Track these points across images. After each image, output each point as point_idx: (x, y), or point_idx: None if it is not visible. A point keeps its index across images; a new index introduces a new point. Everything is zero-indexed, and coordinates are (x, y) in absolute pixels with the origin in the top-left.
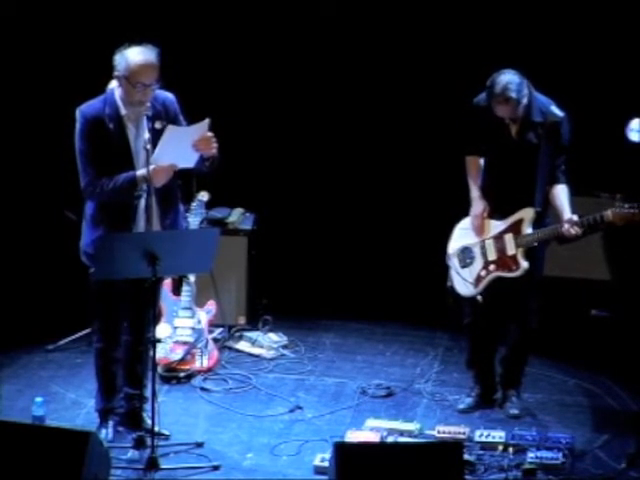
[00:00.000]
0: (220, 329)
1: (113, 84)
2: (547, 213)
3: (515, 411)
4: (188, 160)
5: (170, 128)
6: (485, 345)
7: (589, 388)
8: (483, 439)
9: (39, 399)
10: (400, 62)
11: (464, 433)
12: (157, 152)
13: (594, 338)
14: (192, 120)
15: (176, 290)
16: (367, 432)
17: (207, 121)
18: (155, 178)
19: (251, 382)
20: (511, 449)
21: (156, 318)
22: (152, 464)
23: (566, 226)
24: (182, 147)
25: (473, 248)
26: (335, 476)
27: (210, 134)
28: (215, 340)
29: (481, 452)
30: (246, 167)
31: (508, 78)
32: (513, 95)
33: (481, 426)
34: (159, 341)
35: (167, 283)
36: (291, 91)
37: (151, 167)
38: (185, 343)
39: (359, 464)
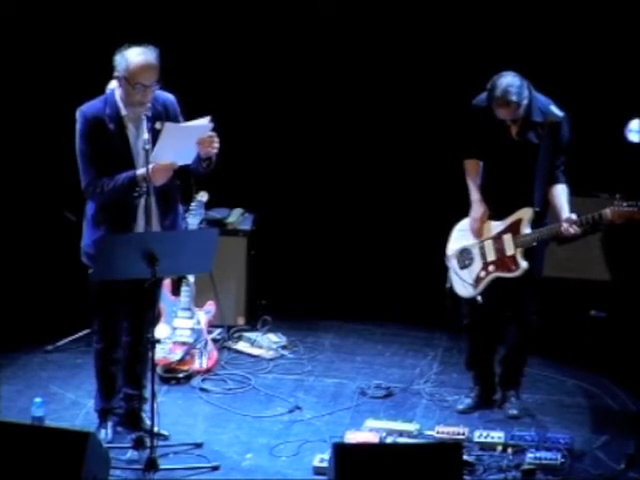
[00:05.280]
0: (219, 329)
1: (113, 84)
2: (547, 213)
3: (514, 411)
4: (187, 157)
5: (168, 126)
6: (484, 346)
7: (588, 388)
8: (482, 439)
9: (38, 400)
10: (400, 64)
11: (463, 433)
12: (156, 150)
13: (593, 339)
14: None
15: (175, 291)
16: (366, 432)
17: (208, 119)
18: (155, 177)
19: (250, 383)
20: (510, 449)
21: (155, 319)
22: (151, 464)
23: (565, 225)
24: (181, 144)
25: (472, 249)
26: (334, 477)
27: (212, 134)
28: (214, 340)
29: (480, 452)
30: (245, 167)
31: (508, 81)
32: (514, 98)
33: (480, 426)
34: (158, 342)
35: (166, 284)
36: (290, 91)
37: (150, 166)
38: (184, 344)
39: (358, 465)
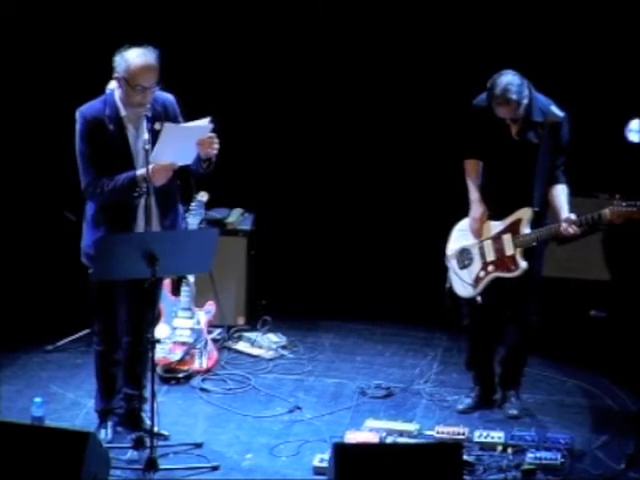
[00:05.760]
0: (219, 329)
1: (113, 84)
2: (546, 213)
3: (514, 411)
4: (187, 157)
5: (168, 126)
6: (484, 346)
7: (588, 389)
8: (482, 439)
9: (38, 399)
10: (400, 64)
11: (463, 433)
12: (156, 150)
13: (593, 339)
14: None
15: (175, 291)
16: (366, 432)
17: (208, 120)
18: (154, 177)
19: (250, 383)
20: (510, 449)
21: (155, 319)
22: (151, 464)
23: (564, 225)
24: (181, 145)
25: (471, 249)
26: (334, 477)
27: (212, 135)
28: (214, 340)
29: (480, 452)
30: (245, 167)
31: (508, 79)
32: (513, 97)
33: (480, 426)
34: (158, 342)
35: (166, 284)
36: (290, 91)
37: (150, 166)
38: (184, 344)
39: (358, 465)
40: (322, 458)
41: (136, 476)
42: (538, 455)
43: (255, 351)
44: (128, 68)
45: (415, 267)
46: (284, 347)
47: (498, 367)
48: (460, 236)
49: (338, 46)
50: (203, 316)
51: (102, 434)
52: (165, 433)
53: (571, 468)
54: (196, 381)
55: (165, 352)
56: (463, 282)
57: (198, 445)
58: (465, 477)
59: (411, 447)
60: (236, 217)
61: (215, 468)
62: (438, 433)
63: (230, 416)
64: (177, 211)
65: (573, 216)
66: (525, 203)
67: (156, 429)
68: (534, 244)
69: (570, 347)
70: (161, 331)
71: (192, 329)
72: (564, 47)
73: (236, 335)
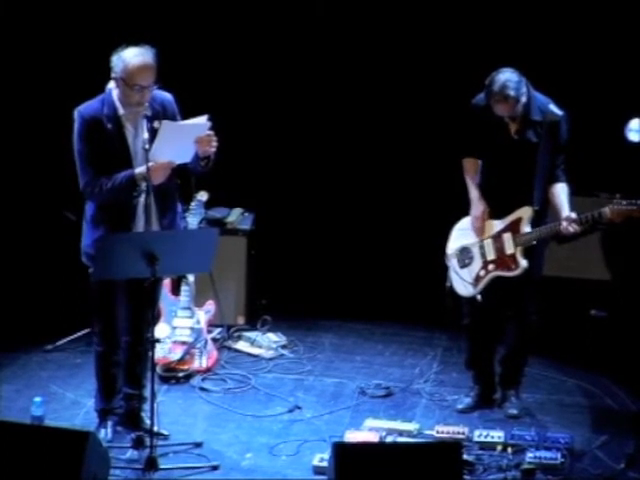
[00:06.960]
0: (219, 329)
1: (112, 84)
2: (547, 212)
3: (514, 411)
4: (185, 156)
5: (166, 124)
6: (484, 345)
7: (588, 388)
8: (482, 439)
9: (38, 399)
10: (399, 63)
11: (463, 433)
12: (154, 148)
13: (593, 339)
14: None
15: (175, 290)
16: (366, 432)
17: (206, 118)
18: (153, 175)
19: (250, 382)
20: (510, 449)
21: (155, 318)
22: (151, 464)
23: (564, 224)
24: (179, 143)
25: (472, 248)
26: (334, 476)
27: (210, 132)
28: (214, 340)
29: (480, 452)
30: (245, 167)
31: (506, 76)
32: (512, 93)
33: (480, 426)
34: (158, 341)
35: (166, 283)
36: (289, 91)
37: (149, 164)
38: (184, 343)
39: (358, 464)
40: (322, 458)
41: (136, 476)
42: (538, 454)
43: (255, 350)
44: (126, 68)
45: (415, 267)
46: (284, 347)
47: (498, 366)
48: (460, 235)
49: (337, 46)
50: (203, 315)
51: (102, 434)
52: (165, 432)
53: (571, 468)
54: (196, 380)
55: (165, 351)
56: (463, 281)
57: (198, 445)
58: (465, 477)
59: (411, 447)
60: (236, 217)
61: (215, 468)
62: (438, 433)
63: (230, 415)
64: (176, 210)
65: (573, 215)
66: (525, 202)
67: (156, 428)
68: (534, 243)
69: (570, 347)
70: (161, 330)
71: (192, 328)
72: (563, 47)
73: (236, 334)
